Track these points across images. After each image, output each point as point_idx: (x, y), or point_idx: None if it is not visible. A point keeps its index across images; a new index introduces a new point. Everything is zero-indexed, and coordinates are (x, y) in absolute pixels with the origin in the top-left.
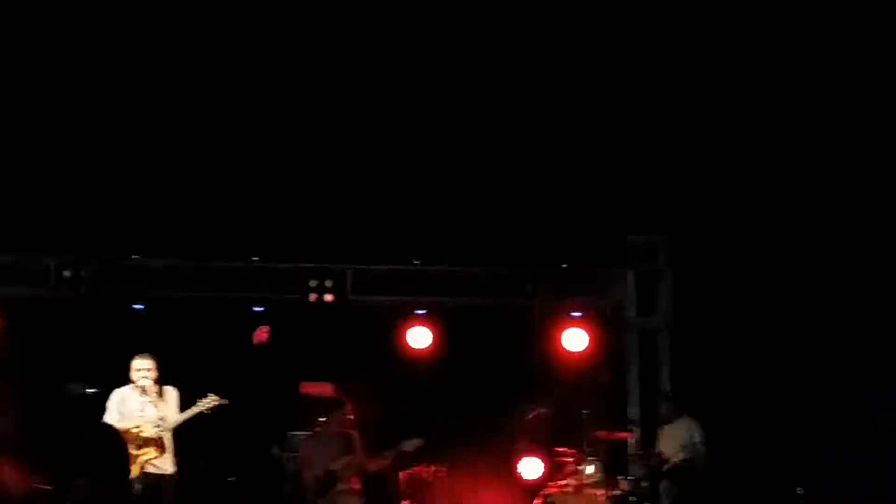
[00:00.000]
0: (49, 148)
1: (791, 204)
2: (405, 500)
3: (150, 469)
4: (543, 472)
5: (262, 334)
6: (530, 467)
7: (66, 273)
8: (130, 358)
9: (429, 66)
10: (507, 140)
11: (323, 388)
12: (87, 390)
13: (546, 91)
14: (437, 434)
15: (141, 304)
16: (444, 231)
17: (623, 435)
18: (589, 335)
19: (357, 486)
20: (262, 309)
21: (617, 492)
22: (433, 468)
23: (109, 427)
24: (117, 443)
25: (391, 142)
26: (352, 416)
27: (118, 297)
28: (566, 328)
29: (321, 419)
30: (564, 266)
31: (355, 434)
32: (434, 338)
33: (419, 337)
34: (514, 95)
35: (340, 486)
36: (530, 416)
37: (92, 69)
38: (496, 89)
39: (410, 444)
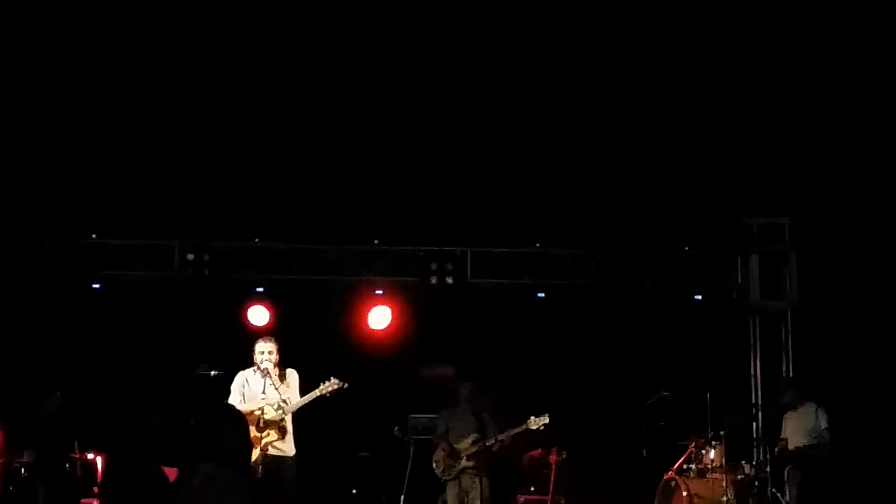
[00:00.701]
0: (172, 136)
1: None
2: (529, 483)
3: (271, 451)
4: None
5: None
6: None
7: (190, 256)
8: (254, 341)
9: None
10: (631, 123)
11: (444, 371)
12: (212, 372)
13: (663, 72)
14: (562, 416)
15: (262, 287)
16: (565, 215)
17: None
18: (710, 318)
19: (481, 464)
20: (382, 292)
21: (740, 476)
22: (556, 452)
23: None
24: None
25: (509, 127)
26: (476, 397)
27: (241, 280)
28: (687, 312)
29: (453, 400)
30: (687, 249)
31: (486, 414)
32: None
33: (537, 319)
34: (628, 77)
35: (464, 464)
36: (652, 401)
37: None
38: (614, 70)
39: (536, 422)
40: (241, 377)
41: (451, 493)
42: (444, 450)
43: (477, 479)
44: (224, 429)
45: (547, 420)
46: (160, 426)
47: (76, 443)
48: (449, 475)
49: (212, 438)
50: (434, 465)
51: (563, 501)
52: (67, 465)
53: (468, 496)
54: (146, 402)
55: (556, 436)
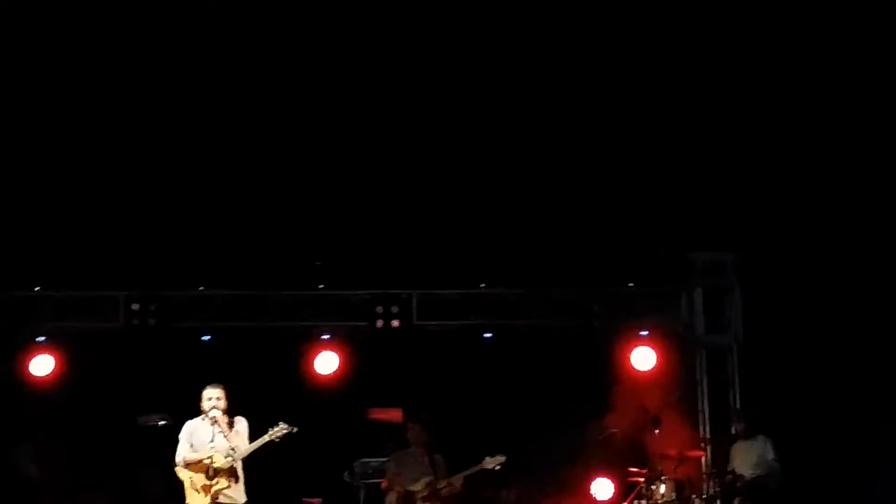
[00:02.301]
0: (112, 186)
1: (861, 217)
2: None
3: (222, 499)
4: (615, 493)
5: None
6: (602, 488)
7: (135, 306)
8: (200, 388)
9: (490, 89)
10: (569, 161)
11: (392, 414)
12: (160, 422)
13: (605, 108)
14: (513, 455)
15: (208, 336)
16: (508, 255)
17: (695, 453)
18: (657, 354)
19: None
20: (328, 336)
21: None
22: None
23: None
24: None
25: (452, 168)
26: (427, 439)
27: (186, 328)
28: (635, 348)
29: (392, 444)
30: (630, 285)
31: (438, 456)
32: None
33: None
34: (571, 115)
35: None
36: (602, 437)
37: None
38: (550, 110)
39: (493, 462)
40: (190, 426)
41: None
42: (396, 493)
43: None
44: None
45: (503, 459)
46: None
47: None
48: None
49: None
50: None
51: None
52: None
53: None
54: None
55: (509, 474)
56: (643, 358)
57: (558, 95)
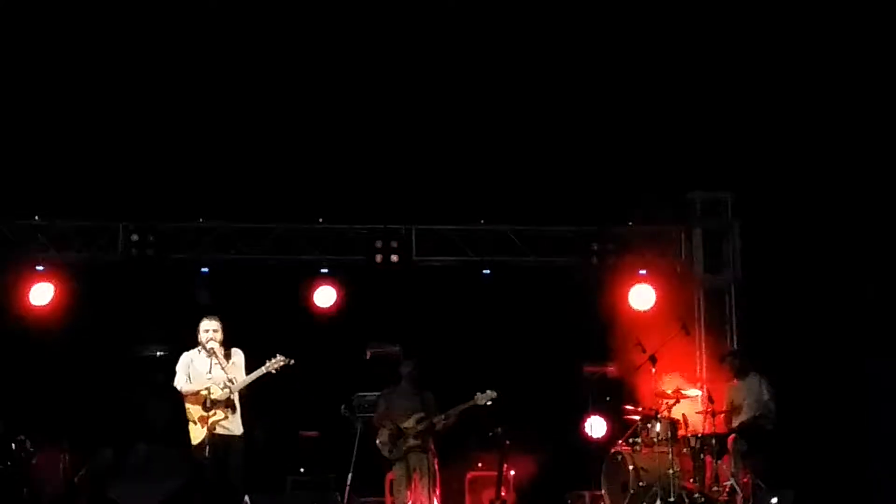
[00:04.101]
0: (112, 118)
1: (860, 156)
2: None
3: (218, 430)
4: (608, 431)
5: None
6: (596, 426)
7: (134, 237)
8: (198, 320)
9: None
10: (570, 99)
11: (389, 350)
12: (157, 353)
13: (606, 47)
14: (507, 392)
15: (207, 268)
16: (508, 191)
17: (690, 392)
18: (656, 293)
19: (427, 442)
20: (327, 270)
21: (686, 449)
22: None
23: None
24: (176, 406)
25: (452, 101)
26: (417, 376)
27: (185, 260)
28: (633, 286)
29: (393, 379)
30: (630, 224)
31: (428, 392)
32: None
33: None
34: (572, 52)
35: (411, 443)
36: (597, 375)
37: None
38: (552, 48)
39: (483, 398)
40: (187, 357)
41: (399, 473)
42: (388, 429)
43: (424, 458)
44: (155, 408)
45: (494, 395)
46: None
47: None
48: (396, 455)
49: (146, 418)
50: (379, 445)
51: (511, 477)
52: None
53: (417, 474)
54: None
55: (501, 411)
56: (642, 296)
57: (560, 35)
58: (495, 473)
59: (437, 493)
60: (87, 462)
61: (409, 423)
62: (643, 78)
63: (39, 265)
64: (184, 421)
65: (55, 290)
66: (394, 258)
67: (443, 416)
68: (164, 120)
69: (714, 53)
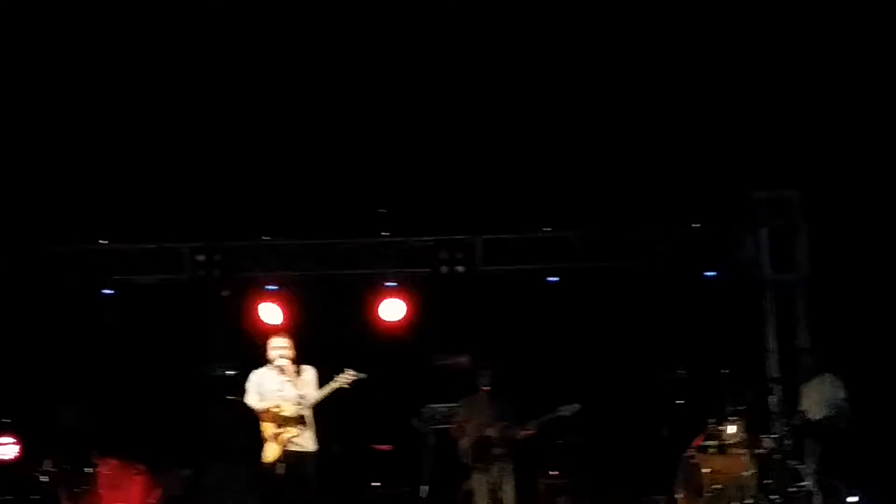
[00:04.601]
0: (175, 138)
1: None
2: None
3: (291, 447)
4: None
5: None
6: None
7: (200, 257)
8: (267, 338)
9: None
10: (635, 101)
11: (459, 360)
12: (228, 372)
13: (668, 47)
14: (579, 399)
15: (274, 285)
16: (571, 197)
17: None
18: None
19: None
20: (394, 284)
21: (760, 451)
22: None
23: (245, 407)
24: (251, 424)
25: (516, 111)
26: (495, 384)
27: (251, 278)
28: (699, 289)
29: (471, 387)
30: (695, 225)
31: (506, 400)
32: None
33: (550, 303)
34: (633, 53)
35: (496, 451)
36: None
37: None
38: (612, 49)
39: (568, 409)
40: (257, 375)
41: (478, 481)
42: (472, 438)
43: (506, 466)
44: (233, 428)
45: (578, 407)
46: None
47: (95, 450)
48: (478, 463)
49: (221, 438)
50: (461, 453)
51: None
52: (87, 472)
53: (497, 483)
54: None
55: (575, 417)
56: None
57: (619, 37)
58: (568, 480)
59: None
60: (163, 483)
61: (493, 432)
62: (706, 77)
63: (108, 289)
64: (258, 439)
65: (123, 314)
66: (459, 268)
67: (529, 427)
68: (226, 140)
69: (779, 50)
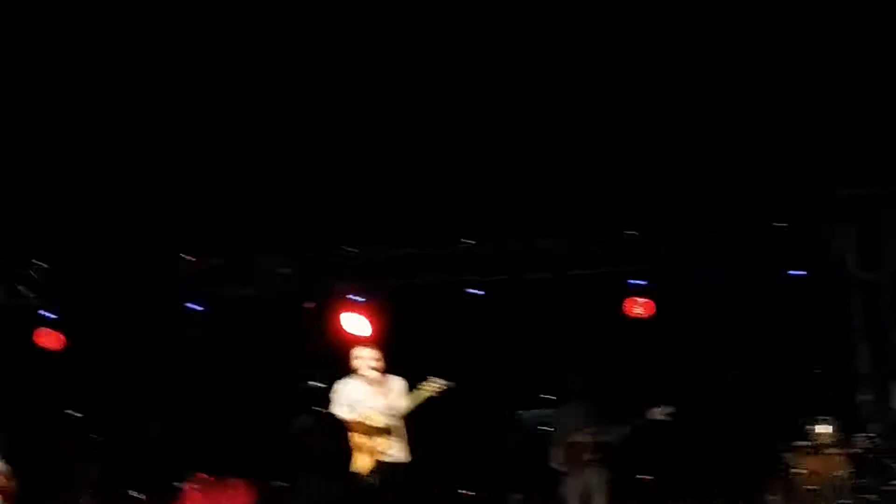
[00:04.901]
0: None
1: None
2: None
3: (383, 458)
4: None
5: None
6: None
7: (284, 270)
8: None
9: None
10: (711, 99)
11: (548, 366)
12: (315, 383)
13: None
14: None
15: (359, 296)
16: (656, 199)
17: None
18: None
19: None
20: (481, 292)
21: (854, 450)
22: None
23: (334, 419)
24: (341, 434)
25: (592, 116)
26: (585, 389)
27: (336, 289)
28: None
29: (550, 396)
30: (779, 224)
31: (598, 406)
32: (654, 308)
33: (639, 307)
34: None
35: (587, 457)
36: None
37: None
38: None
39: (660, 412)
40: (343, 386)
41: (571, 486)
42: (563, 444)
43: (598, 471)
44: (319, 440)
45: (671, 410)
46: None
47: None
48: (570, 469)
49: (308, 450)
50: (553, 460)
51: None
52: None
53: (590, 488)
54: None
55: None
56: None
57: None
58: (662, 483)
59: None
60: (256, 496)
61: (583, 438)
62: (791, 73)
63: (193, 304)
64: (349, 450)
65: (211, 328)
66: (543, 274)
67: (616, 434)
68: (311, 152)
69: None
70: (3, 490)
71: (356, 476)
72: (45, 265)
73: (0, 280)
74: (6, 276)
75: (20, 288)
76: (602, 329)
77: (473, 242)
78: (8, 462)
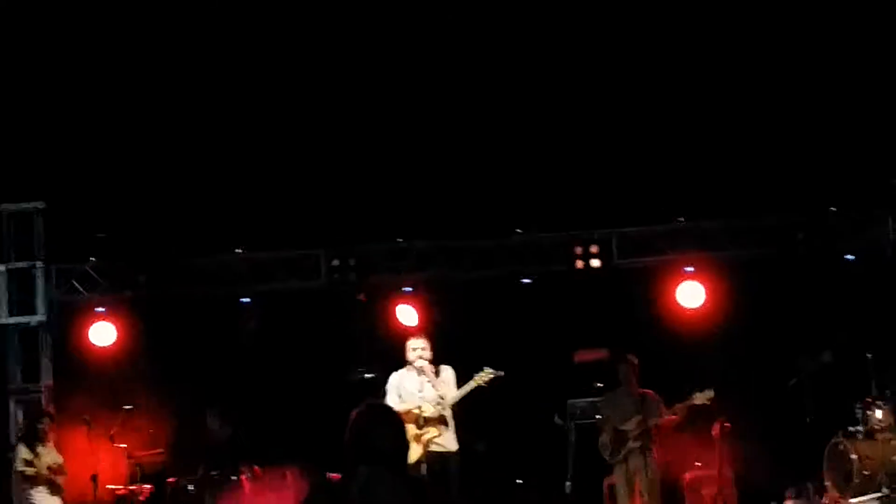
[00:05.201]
0: (303, 144)
1: None
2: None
3: (433, 448)
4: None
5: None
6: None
7: (335, 262)
8: (405, 340)
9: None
10: (766, 86)
11: (598, 355)
12: (366, 375)
13: (796, 33)
14: (721, 387)
15: (409, 287)
16: (705, 185)
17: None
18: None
19: (647, 443)
20: (530, 280)
21: None
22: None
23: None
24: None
25: (645, 101)
26: (635, 378)
27: (387, 281)
28: (837, 274)
29: (599, 384)
30: (833, 210)
31: (649, 393)
32: (706, 294)
33: (691, 294)
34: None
35: (631, 445)
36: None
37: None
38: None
39: (702, 397)
40: (397, 377)
41: (619, 475)
42: (608, 433)
43: (644, 459)
44: (379, 430)
45: (712, 394)
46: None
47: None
48: (616, 457)
49: (367, 441)
50: (601, 448)
51: (731, 475)
52: (234, 480)
53: (636, 476)
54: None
55: (717, 408)
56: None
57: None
58: (714, 472)
59: (659, 493)
60: (313, 488)
61: (628, 426)
62: (845, 63)
63: (246, 298)
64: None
65: (262, 321)
66: (594, 263)
67: (657, 420)
68: (359, 145)
69: None
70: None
71: (408, 466)
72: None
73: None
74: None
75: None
76: (640, 317)
77: (521, 233)
78: None
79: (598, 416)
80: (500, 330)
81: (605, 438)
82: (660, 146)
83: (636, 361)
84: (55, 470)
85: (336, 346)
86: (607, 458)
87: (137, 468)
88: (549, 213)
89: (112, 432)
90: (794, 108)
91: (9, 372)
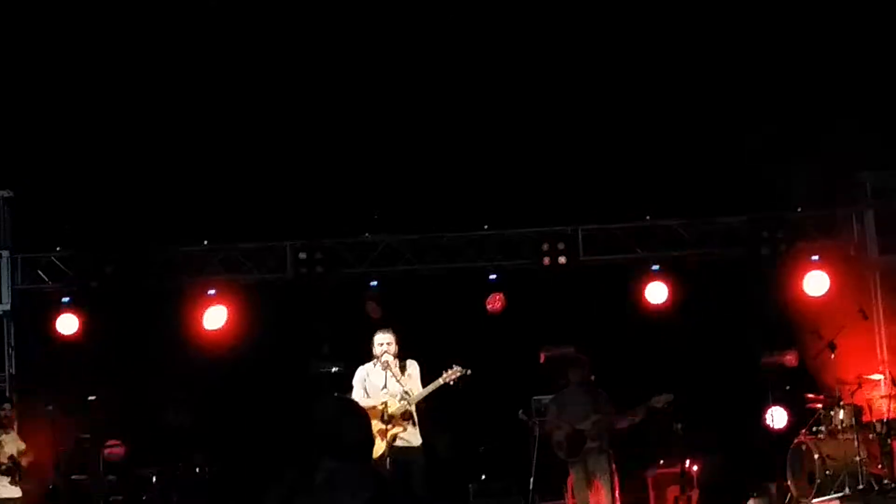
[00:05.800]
0: (270, 138)
1: None
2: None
3: (398, 443)
4: (788, 421)
5: (495, 302)
6: (777, 416)
7: (302, 255)
8: (371, 334)
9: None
10: (728, 88)
11: (563, 352)
12: (332, 369)
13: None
14: (684, 388)
15: (376, 281)
16: (671, 185)
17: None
18: (830, 278)
19: (604, 442)
20: (496, 277)
21: (872, 435)
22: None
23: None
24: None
25: (611, 101)
26: (593, 376)
27: (353, 275)
28: (806, 273)
29: (564, 381)
30: (799, 209)
31: (601, 392)
32: (668, 292)
33: (656, 293)
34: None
35: (589, 445)
36: (774, 366)
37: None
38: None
39: (660, 400)
40: (363, 371)
41: (577, 475)
42: (565, 431)
43: (602, 459)
44: (344, 424)
45: (671, 398)
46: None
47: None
48: (573, 457)
49: (332, 434)
50: (555, 448)
51: (694, 472)
52: (198, 472)
53: (595, 476)
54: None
55: (678, 409)
56: (816, 283)
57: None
58: (677, 470)
59: (618, 493)
60: (272, 482)
61: (584, 425)
62: (807, 62)
63: (212, 289)
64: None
65: (229, 313)
66: (561, 260)
67: (625, 418)
68: (325, 138)
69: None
70: None
71: (372, 461)
72: None
73: None
74: None
75: None
76: (605, 315)
77: (488, 228)
78: None
79: (545, 417)
80: (466, 325)
81: (559, 437)
82: (628, 145)
83: (588, 360)
84: (19, 456)
85: (301, 339)
86: (563, 458)
87: (99, 458)
88: (516, 210)
89: (75, 422)
90: (759, 108)
91: None
